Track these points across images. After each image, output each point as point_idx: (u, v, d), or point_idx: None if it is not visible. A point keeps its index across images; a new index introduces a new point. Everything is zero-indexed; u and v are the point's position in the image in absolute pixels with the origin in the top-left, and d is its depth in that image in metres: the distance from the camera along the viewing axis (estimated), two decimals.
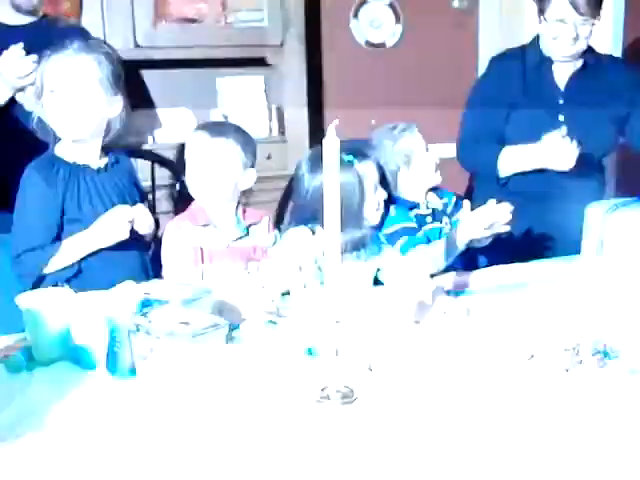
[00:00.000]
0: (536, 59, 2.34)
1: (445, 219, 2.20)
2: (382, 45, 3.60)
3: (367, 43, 3.57)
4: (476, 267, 2.09)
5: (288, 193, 2.35)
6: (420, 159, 2.13)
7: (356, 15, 3.54)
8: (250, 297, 1.60)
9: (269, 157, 3.03)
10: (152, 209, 1.92)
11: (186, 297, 1.43)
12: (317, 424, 1.20)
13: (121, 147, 2.01)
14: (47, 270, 1.80)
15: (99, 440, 1.15)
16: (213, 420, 1.20)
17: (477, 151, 2.35)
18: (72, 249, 1.81)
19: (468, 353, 1.44)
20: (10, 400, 1.29)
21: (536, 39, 2.37)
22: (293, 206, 2.04)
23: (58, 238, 1.82)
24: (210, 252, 1.85)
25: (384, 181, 2.02)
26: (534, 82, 2.34)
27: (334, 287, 1.25)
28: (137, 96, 2.35)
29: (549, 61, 2.33)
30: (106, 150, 1.93)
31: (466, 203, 1.93)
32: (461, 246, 1.90)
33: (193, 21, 3.13)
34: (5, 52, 2.04)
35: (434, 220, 2.16)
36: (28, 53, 2.06)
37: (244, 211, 1.96)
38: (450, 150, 2.40)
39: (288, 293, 1.66)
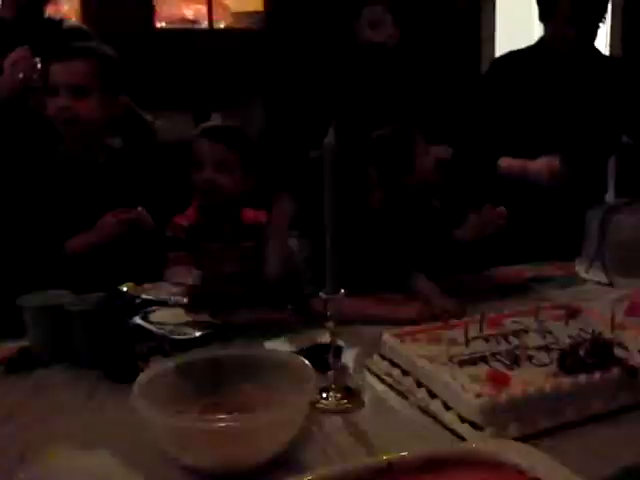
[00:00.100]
0: (540, 61, 2.33)
1: (445, 219, 2.19)
2: (382, 45, 3.60)
3: (367, 44, 3.57)
4: (476, 267, 2.09)
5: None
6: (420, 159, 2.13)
7: (356, 15, 3.54)
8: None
9: None
10: (152, 210, 1.91)
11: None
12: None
13: (122, 147, 2.02)
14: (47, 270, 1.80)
15: (99, 442, 1.15)
16: None
17: (477, 152, 2.35)
18: (72, 248, 1.81)
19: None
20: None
21: (540, 41, 2.35)
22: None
23: (58, 237, 1.82)
24: (210, 253, 1.84)
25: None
26: (537, 84, 2.33)
27: (333, 286, 1.25)
28: (138, 97, 2.35)
29: (553, 63, 2.32)
30: (108, 150, 1.94)
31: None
32: (462, 248, 1.91)
33: (193, 22, 3.12)
34: (12, 53, 2.04)
35: (434, 220, 2.16)
36: (33, 54, 2.07)
37: (244, 211, 1.95)
38: (450, 151, 2.40)
39: None
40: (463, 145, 2.40)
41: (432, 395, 1.23)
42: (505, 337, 1.38)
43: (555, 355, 1.28)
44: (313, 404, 1.21)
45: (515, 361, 1.27)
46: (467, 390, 1.16)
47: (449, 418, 1.17)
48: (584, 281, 1.96)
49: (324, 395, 1.26)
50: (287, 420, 1.07)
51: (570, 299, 1.59)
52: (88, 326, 1.39)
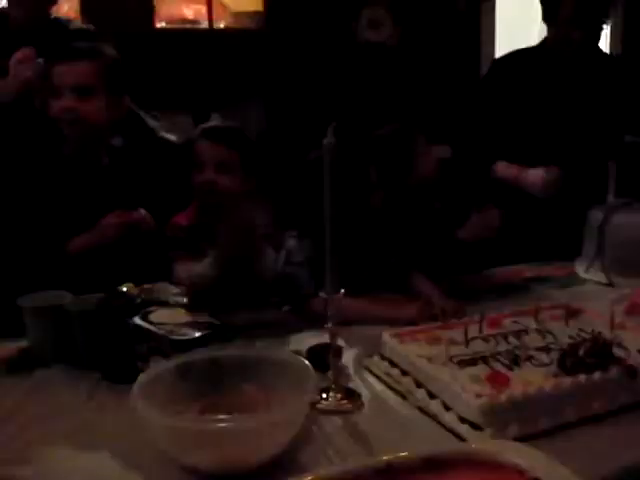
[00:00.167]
0: (543, 62, 2.33)
1: (445, 220, 2.20)
2: (382, 45, 3.60)
3: (367, 44, 3.57)
4: (476, 268, 2.09)
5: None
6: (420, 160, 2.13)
7: (356, 16, 3.54)
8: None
9: None
10: (153, 210, 1.91)
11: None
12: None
13: (124, 147, 2.03)
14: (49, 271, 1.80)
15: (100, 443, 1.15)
16: None
17: (473, 154, 2.35)
18: (73, 249, 1.81)
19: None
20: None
21: (544, 42, 2.35)
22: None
23: (60, 237, 1.82)
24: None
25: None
26: (539, 85, 2.32)
27: (333, 287, 1.25)
28: (138, 97, 2.35)
29: (556, 64, 2.31)
30: (110, 151, 1.94)
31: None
32: (461, 248, 1.91)
33: (193, 22, 3.11)
34: (16, 53, 2.04)
35: (434, 221, 2.16)
36: (38, 54, 2.07)
37: (243, 211, 1.95)
38: (450, 151, 2.40)
39: None
40: (460, 146, 2.40)
41: (432, 395, 1.23)
42: (505, 337, 1.38)
43: (555, 355, 1.28)
44: (313, 404, 1.21)
45: (515, 361, 1.27)
46: (467, 390, 1.17)
47: (449, 418, 1.18)
48: (584, 281, 1.96)
49: (324, 395, 1.26)
50: (287, 420, 1.07)
51: (570, 299, 1.59)
52: (88, 326, 1.39)
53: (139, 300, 1.48)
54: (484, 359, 1.28)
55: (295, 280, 1.76)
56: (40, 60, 2.01)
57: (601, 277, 1.93)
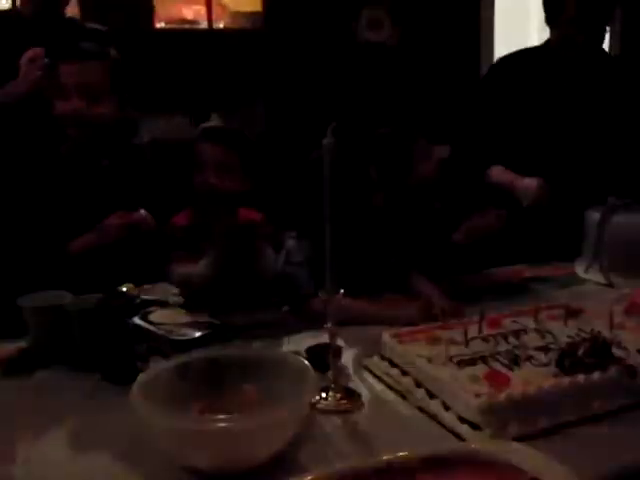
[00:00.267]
0: (546, 63, 2.32)
1: (444, 220, 2.20)
2: (381, 46, 3.60)
3: (366, 44, 3.57)
4: (476, 268, 2.09)
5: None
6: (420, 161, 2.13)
7: (356, 16, 3.54)
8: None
9: None
10: (153, 211, 1.91)
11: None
12: None
13: (124, 148, 2.03)
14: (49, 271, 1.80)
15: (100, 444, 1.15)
16: None
17: (469, 155, 2.35)
18: (74, 249, 1.82)
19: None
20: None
21: (547, 43, 2.34)
22: None
23: (61, 237, 1.83)
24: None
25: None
26: (541, 86, 2.32)
27: (333, 287, 1.25)
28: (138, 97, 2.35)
29: (559, 66, 2.30)
30: (110, 150, 1.94)
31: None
32: (459, 249, 1.92)
33: (192, 23, 3.11)
34: (27, 52, 2.04)
35: (434, 221, 2.16)
36: (48, 54, 2.06)
37: (241, 210, 1.96)
38: (450, 151, 2.40)
39: None
40: (459, 146, 2.40)
41: (431, 395, 1.23)
42: (504, 337, 1.38)
43: (554, 355, 1.28)
44: (313, 404, 1.22)
45: (514, 361, 1.27)
46: (466, 390, 1.17)
47: (448, 418, 1.18)
48: (583, 281, 1.96)
49: (324, 395, 1.26)
50: (287, 420, 1.07)
51: (569, 299, 1.59)
52: (88, 326, 1.39)
53: (139, 300, 1.48)
54: (484, 359, 1.28)
55: (295, 280, 1.76)
56: (47, 60, 2.01)
57: (600, 277, 1.93)
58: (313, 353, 1.37)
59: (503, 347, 1.34)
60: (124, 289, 1.51)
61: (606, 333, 1.37)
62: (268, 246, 1.85)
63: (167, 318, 1.45)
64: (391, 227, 2.00)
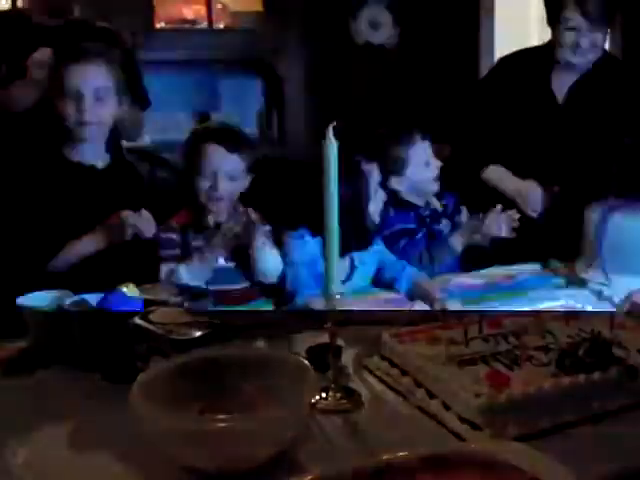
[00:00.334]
0: (546, 63, 2.31)
1: (445, 221, 2.20)
2: (382, 46, 3.61)
3: (367, 44, 3.58)
4: (476, 268, 2.09)
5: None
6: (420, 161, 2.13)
7: (355, 16, 3.55)
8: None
9: None
10: (154, 211, 1.92)
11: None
12: None
13: (125, 148, 2.03)
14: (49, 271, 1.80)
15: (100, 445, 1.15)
16: None
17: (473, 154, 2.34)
18: (74, 251, 1.82)
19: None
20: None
21: (548, 43, 2.33)
22: None
23: (61, 238, 1.83)
24: (207, 250, 1.85)
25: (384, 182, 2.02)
26: (541, 86, 2.31)
27: (333, 287, 1.25)
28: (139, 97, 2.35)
29: (559, 66, 2.29)
30: (110, 151, 1.95)
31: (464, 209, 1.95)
32: (458, 249, 1.92)
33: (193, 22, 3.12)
34: (35, 53, 2.04)
35: (433, 222, 2.16)
36: (55, 54, 2.06)
37: (239, 209, 1.96)
38: (450, 151, 2.40)
39: None
40: (458, 146, 2.39)
41: (431, 395, 1.23)
42: (505, 337, 1.38)
43: (554, 355, 1.28)
44: (313, 404, 1.22)
45: (515, 361, 1.27)
46: (466, 390, 1.17)
47: (448, 418, 1.18)
48: (584, 281, 1.96)
49: (324, 395, 1.26)
50: (287, 420, 1.07)
51: (570, 299, 1.59)
52: (88, 326, 1.39)
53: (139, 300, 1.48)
54: (484, 359, 1.28)
55: (295, 280, 1.77)
56: (51, 59, 2.00)
57: (601, 277, 1.93)
58: (313, 353, 1.37)
59: (503, 347, 1.34)
60: (124, 289, 1.51)
61: (606, 333, 1.37)
62: (270, 246, 1.85)
63: (167, 318, 1.45)
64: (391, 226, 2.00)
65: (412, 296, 1.79)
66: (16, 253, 1.83)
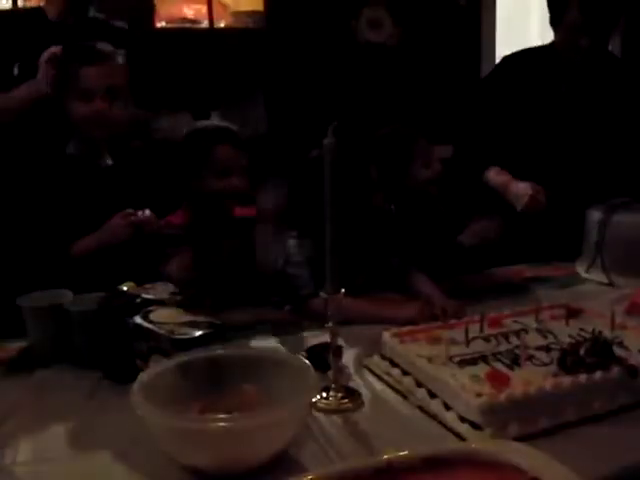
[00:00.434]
0: (551, 64, 2.30)
1: None
2: (382, 45, 3.60)
3: (367, 44, 3.57)
4: (476, 268, 2.09)
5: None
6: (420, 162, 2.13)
7: (356, 16, 3.54)
8: None
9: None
10: (155, 210, 1.92)
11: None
12: None
13: (127, 146, 2.03)
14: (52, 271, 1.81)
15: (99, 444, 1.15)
16: None
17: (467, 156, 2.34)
18: (78, 249, 1.82)
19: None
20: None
21: (552, 44, 2.32)
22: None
23: (64, 237, 1.83)
24: (206, 249, 1.85)
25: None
26: (545, 86, 2.30)
27: (333, 287, 1.25)
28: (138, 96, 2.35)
29: (563, 68, 2.28)
30: (115, 150, 1.95)
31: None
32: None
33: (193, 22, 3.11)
34: (46, 52, 2.03)
35: None
36: (70, 55, 2.05)
37: (237, 209, 1.96)
38: (450, 151, 2.39)
39: None
40: (459, 146, 2.39)
41: (432, 395, 1.23)
42: (505, 337, 1.38)
43: (555, 355, 1.28)
44: (313, 404, 1.21)
45: (515, 361, 1.27)
46: (467, 390, 1.16)
47: (449, 418, 1.17)
48: (584, 281, 1.96)
49: (324, 395, 1.26)
50: (287, 420, 1.07)
51: (570, 299, 1.59)
52: (88, 326, 1.39)
53: (139, 299, 1.48)
54: (484, 359, 1.28)
55: (295, 280, 1.76)
56: (59, 56, 2.00)
57: (601, 277, 1.93)
58: (314, 353, 1.37)
59: (504, 347, 1.34)
60: (124, 288, 1.51)
61: (607, 333, 1.37)
62: (270, 242, 1.85)
63: (168, 317, 1.45)
64: (393, 227, 2.00)
65: None
66: (19, 252, 1.84)
